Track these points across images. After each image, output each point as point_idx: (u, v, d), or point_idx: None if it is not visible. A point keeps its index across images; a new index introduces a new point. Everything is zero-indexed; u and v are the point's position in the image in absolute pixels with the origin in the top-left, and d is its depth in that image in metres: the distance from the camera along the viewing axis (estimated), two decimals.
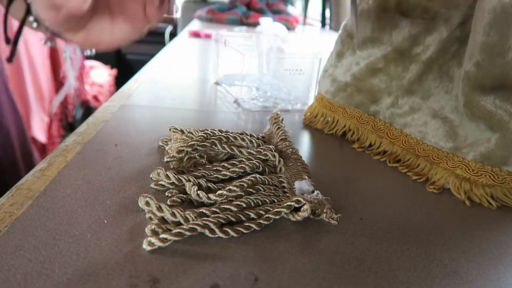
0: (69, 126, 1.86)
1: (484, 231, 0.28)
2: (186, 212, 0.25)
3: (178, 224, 0.24)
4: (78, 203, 0.27)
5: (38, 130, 1.50)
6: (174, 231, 0.23)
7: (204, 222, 0.24)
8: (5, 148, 0.64)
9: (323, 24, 2.20)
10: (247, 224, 0.25)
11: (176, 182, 0.29)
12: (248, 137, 0.36)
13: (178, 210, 0.24)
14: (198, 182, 0.29)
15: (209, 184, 0.29)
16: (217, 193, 0.27)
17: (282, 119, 0.39)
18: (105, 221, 0.25)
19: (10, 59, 0.48)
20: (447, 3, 0.35)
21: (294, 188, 0.29)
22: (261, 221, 0.25)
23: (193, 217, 0.25)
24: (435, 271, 0.23)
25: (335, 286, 0.21)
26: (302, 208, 0.25)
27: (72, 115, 1.87)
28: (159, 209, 0.24)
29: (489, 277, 0.23)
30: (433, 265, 0.24)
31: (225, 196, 0.27)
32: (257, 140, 0.36)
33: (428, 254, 0.25)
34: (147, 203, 0.24)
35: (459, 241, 0.26)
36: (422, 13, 0.36)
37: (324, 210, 0.26)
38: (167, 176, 0.29)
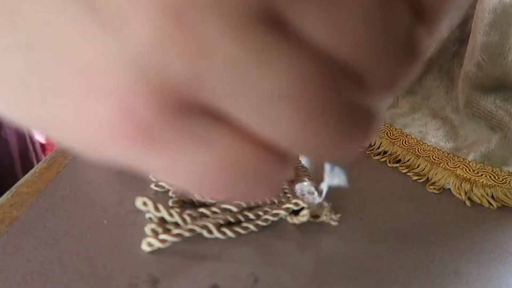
0: None
1: (484, 231, 0.28)
2: (186, 212, 0.25)
3: (177, 224, 0.24)
4: (77, 204, 0.27)
5: None
6: (174, 232, 0.23)
7: (202, 223, 0.24)
8: (2, 159, 0.63)
9: None
10: (245, 225, 0.25)
11: None
12: None
13: (176, 211, 0.24)
14: None
15: None
16: None
17: None
18: (105, 222, 0.25)
19: None
20: None
21: (295, 189, 0.29)
22: (259, 223, 0.25)
23: (192, 217, 0.25)
24: (435, 271, 0.23)
25: (335, 286, 0.21)
26: (301, 213, 0.25)
27: None
28: (157, 209, 0.24)
29: (490, 277, 0.23)
30: (434, 265, 0.24)
31: None
32: None
33: (429, 255, 0.24)
34: (145, 203, 0.24)
35: (459, 242, 0.26)
36: None
37: (324, 213, 0.26)
38: None
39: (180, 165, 0.08)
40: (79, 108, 0.08)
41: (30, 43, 0.08)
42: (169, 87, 0.07)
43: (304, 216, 0.25)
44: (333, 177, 0.22)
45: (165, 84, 0.07)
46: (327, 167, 0.22)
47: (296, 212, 0.26)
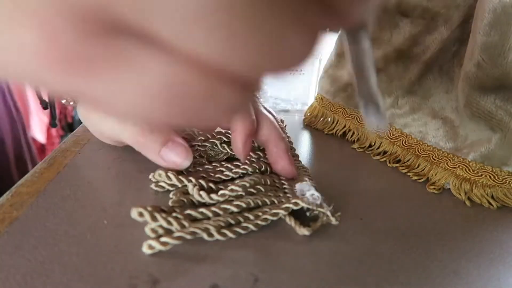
0: (69, 127, 1.86)
1: (484, 231, 0.28)
2: (185, 212, 0.25)
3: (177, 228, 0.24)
4: (77, 204, 0.27)
5: (38, 130, 1.50)
6: (175, 234, 0.23)
7: (204, 225, 0.24)
8: (0, 159, 0.64)
9: None
10: (244, 224, 0.25)
11: (177, 183, 0.28)
12: None
13: (174, 218, 0.24)
14: (199, 182, 0.28)
15: (210, 184, 0.29)
16: (219, 193, 0.27)
17: (286, 125, 0.39)
18: (105, 222, 0.25)
19: (53, 123, 0.49)
20: (447, 3, 0.35)
21: (295, 189, 0.29)
22: (259, 222, 0.25)
23: (192, 217, 0.25)
24: (435, 272, 0.23)
25: (335, 286, 0.21)
26: (300, 230, 0.25)
27: (72, 116, 1.87)
28: (154, 219, 0.23)
29: (490, 278, 0.23)
30: (434, 266, 0.24)
31: (227, 196, 0.27)
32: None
33: (429, 255, 0.24)
34: (141, 214, 0.24)
35: (459, 242, 0.26)
36: (423, 13, 0.36)
37: (324, 219, 0.26)
38: (168, 177, 0.29)
39: (117, 91, 0.08)
40: (9, 38, 0.08)
41: None
42: (86, 9, 0.07)
43: (306, 230, 0.25)
44: (371, 118, 0.19)
45: (83, 7, 0.07)
46: (362, 108, 0.19)
47: (295, 215, 0.26)
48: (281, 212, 0.26)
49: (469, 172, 0.32)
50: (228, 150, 0.34)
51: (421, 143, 0.37)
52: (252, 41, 0.08)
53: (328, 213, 0.26)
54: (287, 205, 0.26)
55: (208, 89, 0.09)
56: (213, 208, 0.25)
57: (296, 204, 0.26)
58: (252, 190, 0.28)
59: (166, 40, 0.08)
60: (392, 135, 0.40)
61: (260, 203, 0.27)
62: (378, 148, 0.40)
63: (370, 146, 0.41)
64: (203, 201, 0.27)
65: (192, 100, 0.09)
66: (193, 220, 0.25)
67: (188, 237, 0.23)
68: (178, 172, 0.30)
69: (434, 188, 0.33)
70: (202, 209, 0.25)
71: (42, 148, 1.57)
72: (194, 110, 0.09)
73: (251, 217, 0.25)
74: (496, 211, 0.31)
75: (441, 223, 0.28)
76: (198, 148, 0.32)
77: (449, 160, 0.34)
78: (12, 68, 0.09)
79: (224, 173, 0.31)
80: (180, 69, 0.08)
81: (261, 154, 0.33)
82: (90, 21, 0.07)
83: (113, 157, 0.34)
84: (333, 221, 0.26)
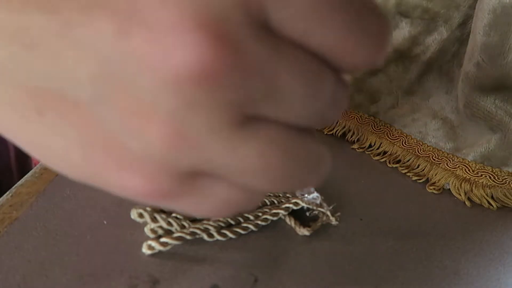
0: None
1: (484, 231, 0.28)
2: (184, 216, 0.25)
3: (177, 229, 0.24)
4: (77, 204, 0.27)
5: None
6: (175, 235, 0.23)
7: (204, 226, 0.24)
8: (1, 153, 0.65)
9: None
10: (244, 225, 0.25)
11: None
12: None
13: (174, 218, 0.24)
14: None
15: None
16: None
17: None
18: (105, 222, 0.25)
19: None
20: (447, 4, 0.35)
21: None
22: (259, 222, 0.25)
23: (189, 223, 0.25)
24: (435, 272, 0.23)
25: (335, 286, 0.21)
26: (300, 230, 0.25)
27: None
28: (154, 220, 0.23)
29: (489, 278, 0.23)
30: (433, 266, 0.24)
31: None
32: None
33: (428, 255, 0.24)
34: (140, 215, 0.24)
35: (459, 242, 0.26)
36: (422, 13, 0.36)
37: (324, 219, 0.26)
38: None
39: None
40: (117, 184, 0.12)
41: None
42: (178, 169, 0.11)
43: (307, 231, 0.25)
44: None
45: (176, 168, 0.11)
46: None
47: (295, 215, 0.26)
48: (281, 212, 0.26)
49: (469, 172, 0.32)
50: None
51: (421, 144, 0.37)
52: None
53: (328, 213, 0.26)
54: (287, 205, 0.26)
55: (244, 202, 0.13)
56: None
57: (296, 204, 0.26)
58: None
59: (224, 174, 0.11)
60: (392, 135, 0.40)
61: (260, 203, 0.27)
62: (378, 148, 0.40)
63: (370, 146, 0.41)
64: None
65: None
66: (192, 220, 0.25)
67: (188, 237, 0.23)
68: None
69: (434, 189, 0.33)
70: None
71: None
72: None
73: (251, 217, 0.25)
74: (496, 212, 0.31)
75: (441, 223, 0.28)
76: None
77: (449, 160, 0.34)
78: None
79: None
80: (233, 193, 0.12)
81: None
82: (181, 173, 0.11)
83: None
84: (333, 221, 0.26)
